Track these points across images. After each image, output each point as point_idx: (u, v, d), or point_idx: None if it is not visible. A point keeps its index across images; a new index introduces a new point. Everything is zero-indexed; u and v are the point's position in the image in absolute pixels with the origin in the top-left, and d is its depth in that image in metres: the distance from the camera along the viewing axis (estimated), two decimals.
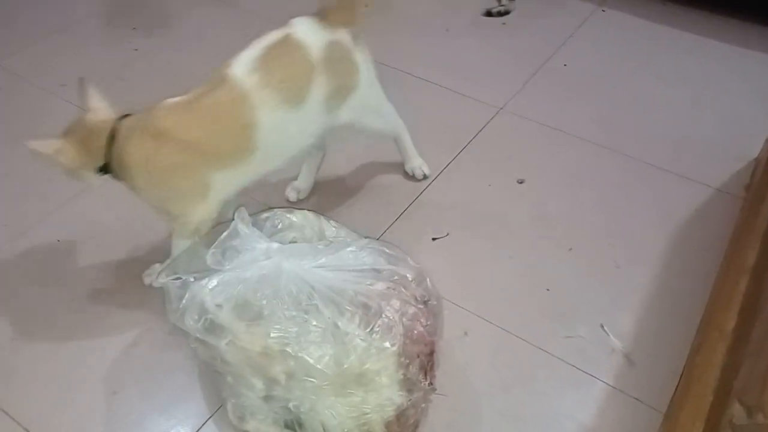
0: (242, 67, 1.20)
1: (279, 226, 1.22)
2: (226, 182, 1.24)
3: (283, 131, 1.24)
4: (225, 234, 1.17)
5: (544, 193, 1.64)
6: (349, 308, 1.06)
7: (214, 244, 1.16)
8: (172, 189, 1.21)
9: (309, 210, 1.28)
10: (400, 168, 1.69)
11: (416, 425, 1.13)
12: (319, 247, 1.15)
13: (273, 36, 1.24)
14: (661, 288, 1.43)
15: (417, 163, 1.65)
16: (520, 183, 1.67)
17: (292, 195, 1.59)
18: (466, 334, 1.33)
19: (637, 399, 1.24)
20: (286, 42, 1.24)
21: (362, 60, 1.34)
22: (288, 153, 1.30)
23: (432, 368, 1.13)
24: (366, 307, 1.07)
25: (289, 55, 1.24)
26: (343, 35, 1.29)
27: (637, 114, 1.87)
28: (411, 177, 1.66)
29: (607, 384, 1.26)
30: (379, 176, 1.68)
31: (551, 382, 1.28)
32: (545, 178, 1.68)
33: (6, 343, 1.34)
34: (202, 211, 1.24)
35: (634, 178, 1.69)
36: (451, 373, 1.23)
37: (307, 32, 1.25)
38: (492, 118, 1.85)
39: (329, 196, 1.60)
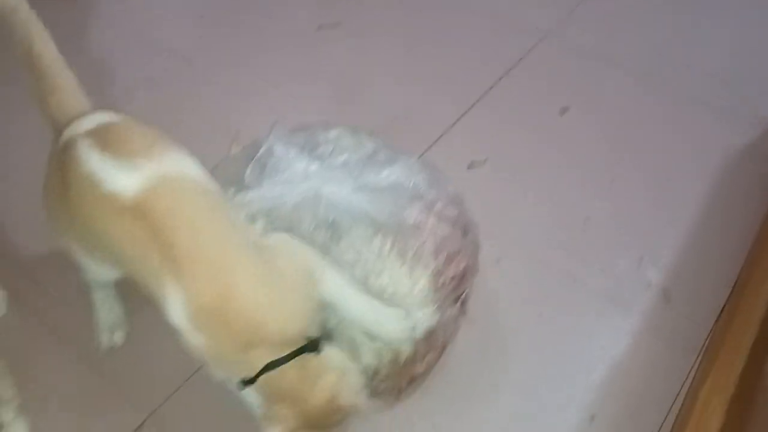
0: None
1: (316, 142, 1.19)
2: None
3: None
4: (262, 150, 1.15)
5: (587, 124, 1.58)
6: (384, 228, 1.04)
7: (253, 160, 1.15)
8: None
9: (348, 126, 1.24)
10: (438, 91, 1.64)
11: (444, 347, 1.12)
12: (357, 165, 1.13)
13: None
14: (704, 226, 1.39)
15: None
16: (563, 113, 1.61)
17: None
18: (498, 261, 1.31)
19: (671, 335, 1.22)
20: None
21: None
22: None
23: (464, 292, 1.11)
24: (401, 227, 1.05)
25: None
26: None
27: (691, 47, 1.78)
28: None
29: (642, 319, 1.24)
30: (416, 99, 1.63)
31: (584, 314, 1.26)
32: (589, 108, 1.62)
33: None
34: None
35: (683, 113, 1.61)
36: (483, 301, 1.22)
37: None
38: (536, 44, 1.77)
39: (367, 114, 1.55)
